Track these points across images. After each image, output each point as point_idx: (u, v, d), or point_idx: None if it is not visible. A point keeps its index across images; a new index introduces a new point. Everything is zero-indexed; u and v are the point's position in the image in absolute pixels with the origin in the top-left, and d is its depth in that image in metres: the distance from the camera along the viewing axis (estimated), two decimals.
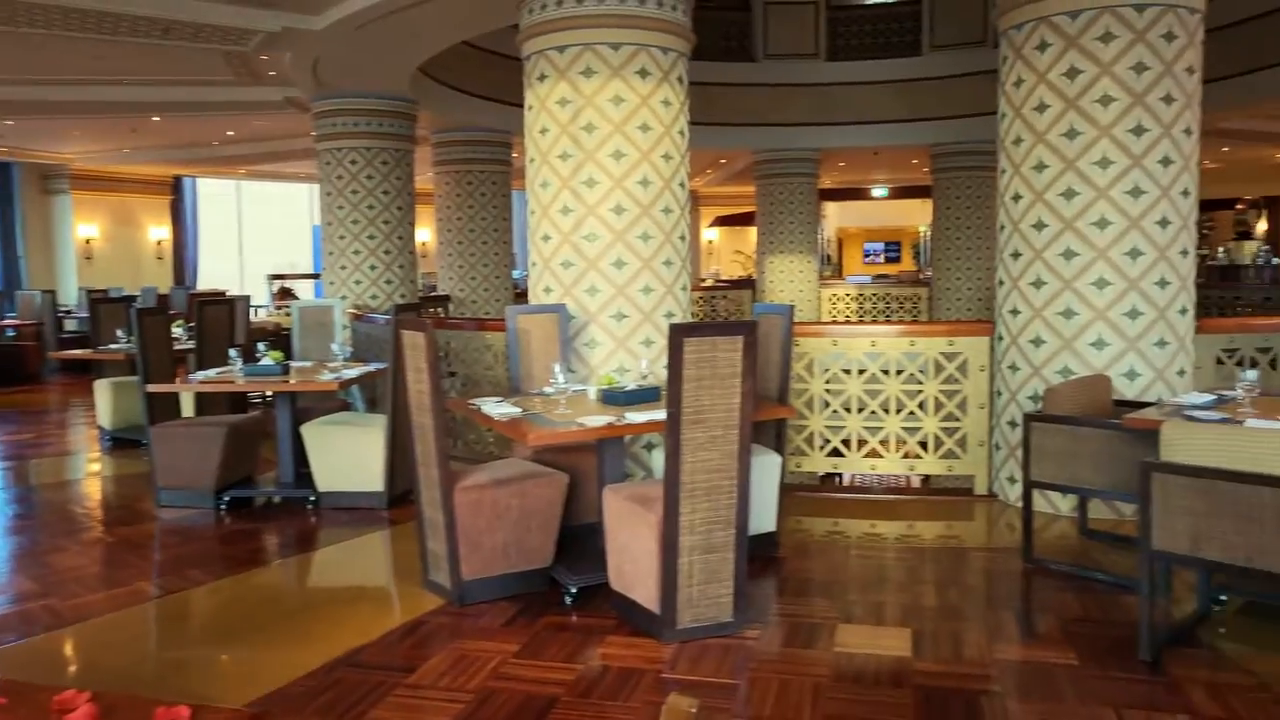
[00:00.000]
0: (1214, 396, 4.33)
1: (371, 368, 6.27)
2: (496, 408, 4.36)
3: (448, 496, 4.10)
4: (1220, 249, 18.35)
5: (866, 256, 25.24)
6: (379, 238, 10.02)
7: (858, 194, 22.84)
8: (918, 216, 22.42)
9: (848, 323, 9.76)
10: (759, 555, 4.74)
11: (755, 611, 4.07)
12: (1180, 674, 3.41)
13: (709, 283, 18.88)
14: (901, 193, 22.03)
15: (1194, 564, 3.58)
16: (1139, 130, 5.29)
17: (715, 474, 3.79)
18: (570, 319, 5.77)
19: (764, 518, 4.82)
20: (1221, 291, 13.77)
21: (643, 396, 4.44)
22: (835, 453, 6.20)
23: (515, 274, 11.94)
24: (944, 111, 13.06)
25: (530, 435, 3.91)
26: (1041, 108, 5.49)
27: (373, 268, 10.04)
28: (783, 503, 5.00)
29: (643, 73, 5.74)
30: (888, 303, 16.17)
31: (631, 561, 3.91)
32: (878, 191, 22.45)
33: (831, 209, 23.97)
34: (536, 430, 3.94)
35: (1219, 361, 6.02)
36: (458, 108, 11.32)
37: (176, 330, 8.32)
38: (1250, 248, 17.01)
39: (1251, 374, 4.20)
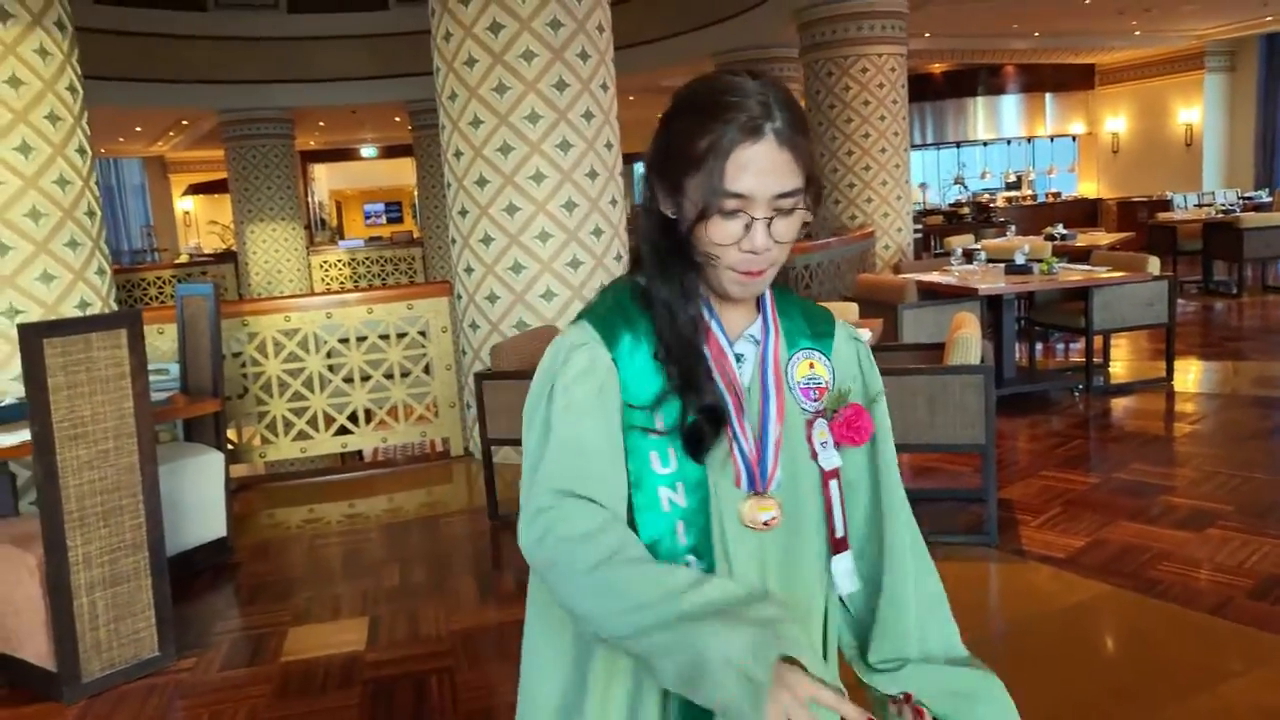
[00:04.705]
0: None
1: None
2: None
3: None
4: None
5: (368, 218, 24.50)
6: None
7: (346, 154, 22.04)
8: (412, 175, 22.23)
9: (297, 296, 9.29)
10: (208, 566, 4.24)
11: (194, 636, 3.59)
12: None
13: (184, 259, 17.03)
14: (391, 151, 21.67)
15: None
16: (561, 85, 5.48)
17: (113, 494, 3.22)
18: None
19: (210, 524, 4.31)
20: None
21: (17, 413, 3.65)
22: (304, 435, 5.79)
23: None
24: (415, 68, 12.83)
25: None
26: (471, 62, 5.45)
27: None
28: (232, 502, 4.51)
29: (2, 14, 4.70)
30: (382, 265, 15.80)
31: (14, 614, 3.20)
32: (367, 151, 21.86)
33: (321, 171, 22.88)
34: None
35: None
36: None
37: None
38: None
39: None
